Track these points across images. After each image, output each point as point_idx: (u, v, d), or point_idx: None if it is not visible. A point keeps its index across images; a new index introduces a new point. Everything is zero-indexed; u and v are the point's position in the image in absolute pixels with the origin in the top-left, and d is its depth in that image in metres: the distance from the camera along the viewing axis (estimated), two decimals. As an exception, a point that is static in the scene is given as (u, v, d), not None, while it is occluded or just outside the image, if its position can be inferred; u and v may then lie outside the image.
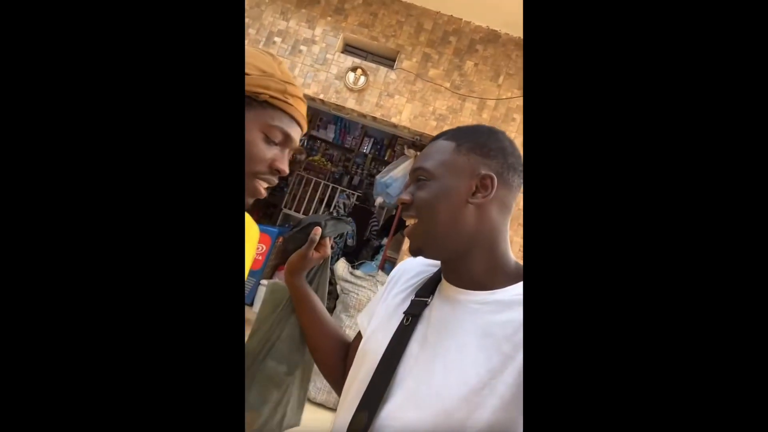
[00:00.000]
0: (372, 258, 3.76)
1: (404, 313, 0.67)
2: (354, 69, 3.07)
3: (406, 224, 0.67)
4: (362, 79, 3.05)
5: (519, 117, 3.23)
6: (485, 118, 3.30)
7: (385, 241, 3.71)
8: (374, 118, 3.20)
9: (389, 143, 5.67)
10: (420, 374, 0.59)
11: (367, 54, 3.25)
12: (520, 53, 3.18)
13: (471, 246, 0.63)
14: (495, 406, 0.52)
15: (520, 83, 3.19)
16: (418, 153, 3.40)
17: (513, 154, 0.66)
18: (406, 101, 3.12)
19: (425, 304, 0.66)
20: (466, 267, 0.64)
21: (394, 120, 3.12)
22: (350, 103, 3.13)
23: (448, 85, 3.16)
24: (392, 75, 3.12)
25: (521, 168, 0.66)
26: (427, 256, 0.67)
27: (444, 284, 0.68)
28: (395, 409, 0.58)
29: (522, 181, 0.67)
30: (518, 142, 2.93)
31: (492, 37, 3.23)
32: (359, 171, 5.86)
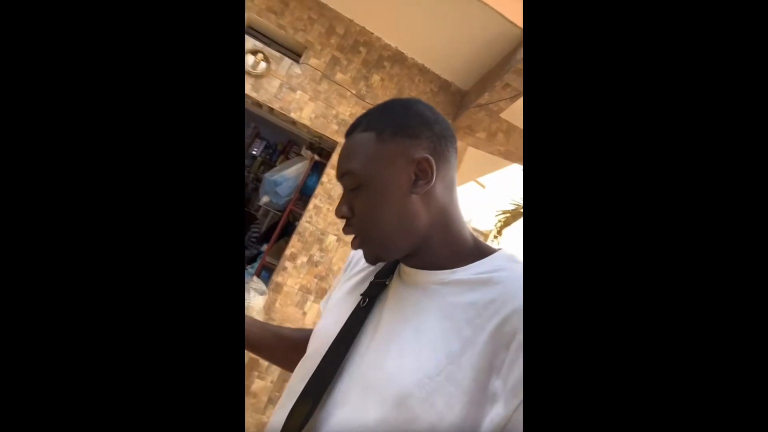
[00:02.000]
0: (249, 264, 3.44)
1: (361, 294, 0.63)
2: (254, 52, 2.84)
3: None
4: (263, 64, 2.84)
5: (416, 136, 3.07)
6: (385, 132, 3.11)
7: (264, 247, 3.38)
8: (271, 110, 2.99)
9: (284, 149, 4.86)
10: (372, 359, 0.54)
11: (272, 42, 3.08)
12: (423, 78, 3.31)
13: (427, 235, 0.58)
14: (452, 393, 0.47)
15: (420, 106, 3.23)
16: (316, 156, 3.26)
17: (437, 122, 0.59)
18: (309, 99, 3.00)
19: (384, 285, 0.62)
20: (425, 252, 0.59)
21: (293, 115, 2.97)
22: (246, 87, 2.85)
23: (354, 92, 3.14)
24: (297, 69, 2.98)
25: (451, 132, 0.60)
26: (387, 260, 0.61)
27: (403, 266, 0.63)
28: (341, 396, 0.53)
29: (456, 144, 0.61)
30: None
31: (399, 58, 3.31)
32: (245, 173, 4.99)
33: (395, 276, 0.63)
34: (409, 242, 0.58)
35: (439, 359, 0.49)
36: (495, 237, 14.57)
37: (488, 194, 6.99)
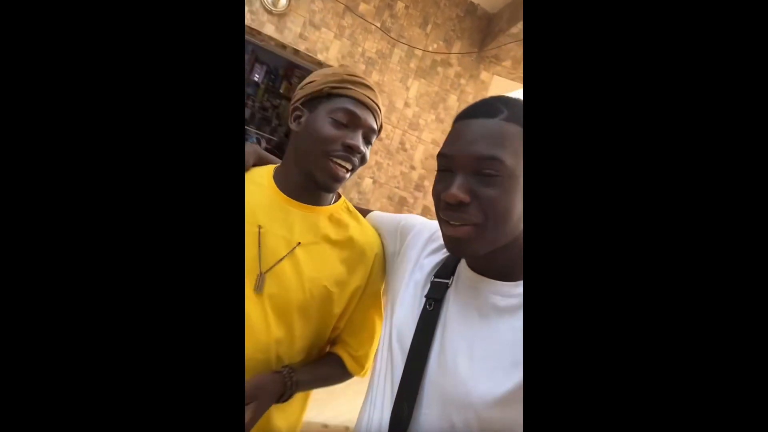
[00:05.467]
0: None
1: (426, 297, 0.65)
2: (273, -14, 2.57)
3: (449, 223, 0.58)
4: (283, 0, 2.61)
5: (442, 71, 3.20)
6: (413, 67, 3.14)
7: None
8: (296, 51, 2.84)
9: (284, 73, 4.65)
10: (446, 368, 0.58)
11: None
12: (448, 2, 3.13)
13: (513, 239, 0.59)
14: (519, 411, 0.49)
15: (446, 34, 3.17)
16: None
17: None
18: (334, 37, 2.84)
19: (446, 286, 0.64)
20: (500, 258, 0.60)
21: (320, 56, 2.83)
22: (268, 29, 2.68)
23: (378, 24, 3.02)
24: (318, 2, 2.75)
25: None
26: (475, 255, 0.61)
27: (465, 268, 0.64)
28: (427, 400, 0.59)
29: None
30: (443, 95, 3.20)
31: (423, -21, 3.06)
32: (249, 103, 4.75)
33: (456, 277, 0.66)
34: (507, 241, 0.58)
35: (506, 367, 0.53)
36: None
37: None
